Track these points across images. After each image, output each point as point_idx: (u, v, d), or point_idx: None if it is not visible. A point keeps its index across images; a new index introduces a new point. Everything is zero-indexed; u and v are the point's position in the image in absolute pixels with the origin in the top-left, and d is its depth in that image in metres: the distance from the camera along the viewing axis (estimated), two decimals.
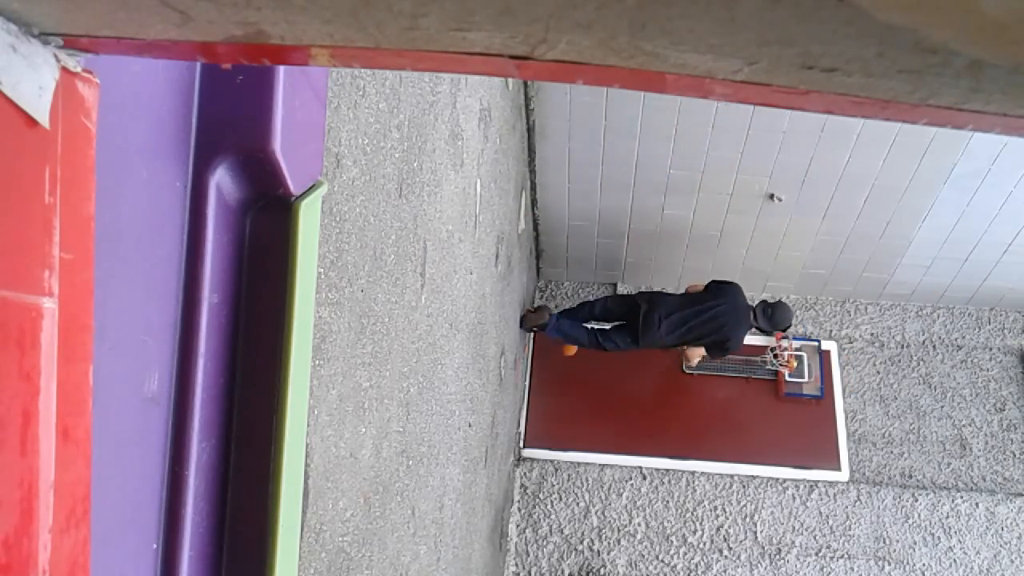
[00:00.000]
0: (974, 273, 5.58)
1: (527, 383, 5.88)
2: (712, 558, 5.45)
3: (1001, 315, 5.95)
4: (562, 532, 5.53)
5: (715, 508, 5.54)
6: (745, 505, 5.53)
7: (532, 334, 5.82)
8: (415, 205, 2.34)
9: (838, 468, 5.66)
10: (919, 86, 0.49)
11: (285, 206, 1.10)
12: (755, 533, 5.48)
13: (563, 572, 5.46)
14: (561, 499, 5.58)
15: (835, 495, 5.53)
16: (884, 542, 5.43)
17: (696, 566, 5.44)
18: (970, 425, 5.76)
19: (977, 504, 5.48)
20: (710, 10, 0.45)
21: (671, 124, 4.65)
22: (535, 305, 5.59)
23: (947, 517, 5.45)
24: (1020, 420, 5.77)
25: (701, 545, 5.48)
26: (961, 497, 5.50)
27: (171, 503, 0.98)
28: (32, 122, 0.62)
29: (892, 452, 5.73)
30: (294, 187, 1.09)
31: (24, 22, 0.60)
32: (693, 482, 5.59)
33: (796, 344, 5.86)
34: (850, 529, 5.45)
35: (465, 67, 0.58)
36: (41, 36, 0.62)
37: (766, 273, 5.84)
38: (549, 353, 5.87)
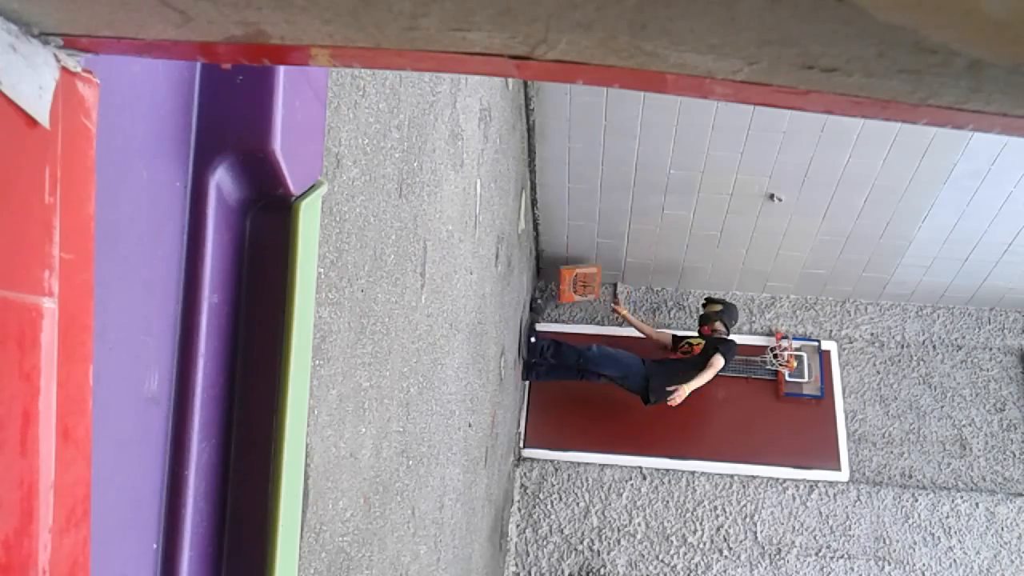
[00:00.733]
0: (974, 273, 5.58)
1: (527, 383, 5.88)
2: (712, 558, 5.45)
3: (1001, 315, 5.95)
4: (562, 532, 5.53)
5: (715, 508, 5.54)
6: (745, 505, 5.53)
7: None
8: (415, 205, 2.34)
9: (838, 468, 5.66)
10: (919, 86, 0.49)
11: (285, 206, 1.10)
12: (755, 533, 5.48)
13: (563, 572, 5.46)
14: (561, 499, 5.58)
15: (835, 495, 5.53)
16: (884, 542, 5.43)
17: (696, 566, 5.44)
18: (970, 425, 5.76)
19: (977, 504, 5.48)
20: (710, 10, 0.45)
21: (671, 124, 4.65)
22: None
23: (947, 517, 5.46)
24: (1020, 420, 5.77)
25: (701, 545, 5.48)
26: (961, 497, 5.50)
27: (171, 503, 0.97)
28: (32, 122, 0.62)
29: (892, 452, 5.73)
30: (294, 187, 1.09)
31: (24, 22, 0.60)
32: (693, 482, 5.59)
33: (796, 344, 5.86)
34: (850, 529, 5.45)
35: (465, 67, 0.58)
36: (41, 36, 0.62)
37: (766, 273, 5.84)
38: None
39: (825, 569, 5.38)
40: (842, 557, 5.41)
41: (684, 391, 5.10)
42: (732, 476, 5.60)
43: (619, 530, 5.51)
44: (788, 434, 5.71)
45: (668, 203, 5.25)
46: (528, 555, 5.50)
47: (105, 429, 0.83)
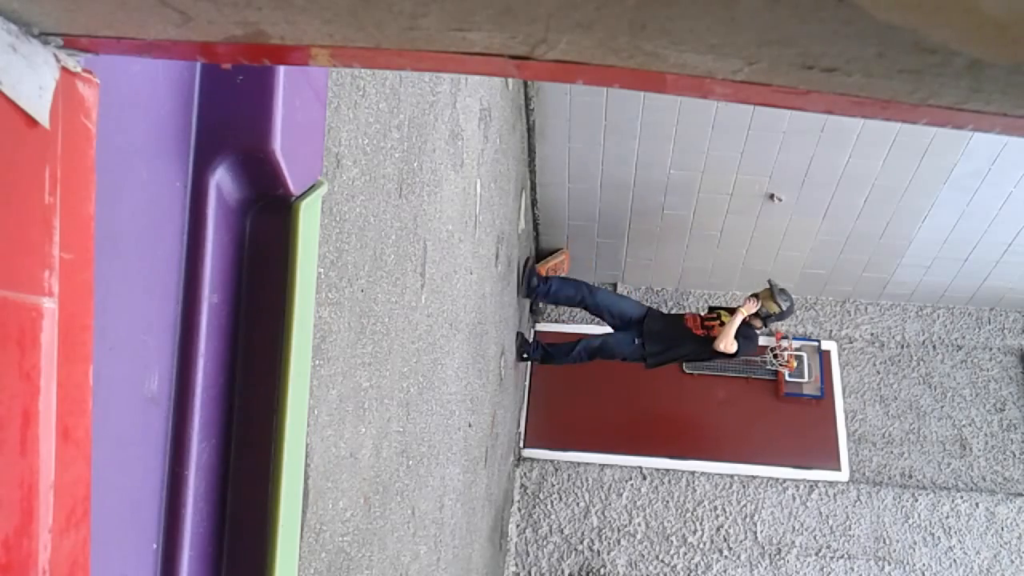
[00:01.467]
0: (974, 273, 5.58)
1: (527, 383, 5.88)
2: (712, 558, 5.45)
3: (1001, 315, 5.95)
4: (562, 532, 5.53)
5: (715, 508, 5.54)
6: (745, 505, 5.53)
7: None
8: (415, 205, 2.34)
9: (838, 468, 5.66)
10: (919, 86, 0.49)
11: (285, 206, 1.10)
12: (755, 533, 5.48)
13: (563, 572, 5.46)
14: (561, 499, 5.58)
15: (835, 495, 5.53)
16: (884, 542, 5.43)
17: (696, 566, 5.44)
18: (970, 425, 5.76)
19: (977, 504, 5.48)
20: (710, 10, 0.45)
21: (671, 124, 4.65)
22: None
23: (947, 517, 5.45)
24: (1020, 420, 5.77)
25: (701, 545, 5.48)
26: (961, 497, 5.50)
27: (171, 503, 0.97)
28: (32, 122, 0.62)
29: (892, 452, 5.73)
30: (294, 187, 1.09)
31: (24, 22, 0.60)
32: (693, 482, 5.59)
33: (796, 344, 5.86)
34: (850, 529, 5.45)
35: (465, 67, 0.58)
36: (41, 36, 0.61)
37: (766, 273, 5.83)
38: None
39: (825, 569, 5.38)
40: (842, 557, 5.41)
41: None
42: (732, 476, 5.60)
43: (619, 530, 5.51)
44: (788, 434, 5.71)
45: (668, 203, 5.25)
46: (528, 555, 5.50)
47: (105, 429, 0.83)
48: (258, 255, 1.09)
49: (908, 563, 5.38)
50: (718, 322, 4.92)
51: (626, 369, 5.92)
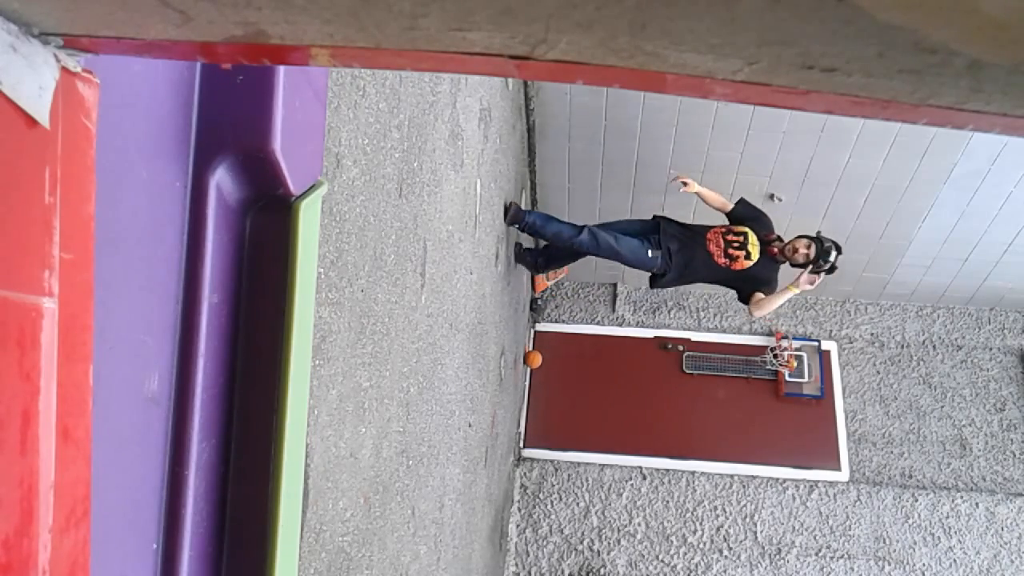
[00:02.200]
0: (974, 273, 5.58)
1: (527, 383, 5.88)
2: (712, 558, 5.45)
3: (1001, 315, 5.95)
4: (562, 532, 5.53)
5: (715, 508, 5.54)
6: (745, 505, 5.53)
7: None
8: (415, 205, 2.34)
9: (838, 468, 5.66)
10: (919, 86, 0.49)
11: (285, 206, 1.10)
12: (755, 533, 5.48)
13: (563, 572, 5.46)
14: (561, 499, 5.58)
15: (835, 495, 5.53)
16: (884, 542, 5.43)
17: (696, 566, 5.44)
18: (970, 425, 5.76)
19: (977, 504, 5.48)
20: (710, 10, 0.45)
21: (671, 124, 4.65)
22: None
23: (947, 517, 5.46)
24: (1020, 420, 5.77)
25: (701, 545, 5.48)
26: (961, 497, 5.50)
27: (171, 503, 0.97)
28: (32, 122, 0.62)
29: (892, 452, 5.73)
30: (294, 187, 1.09)
31: (24, 22, 0.60)
32: (693, 482, 5.59)
33: (796, 344, 5.86)
34: (850, 529, 5.45)
35: (465, 67, 0.58)
36: (41, 36, 0.61)
37: None
38: (549, 353, 5.88)
39: (825, 569, 5.38)
40: (842, 557, 5.41)
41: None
42: (732, 476, 5.60)
43: (619, 530, 5.51)
44: (788, 434, 5.71)
45: (668, 203, 5.25)
46: (528, 555, 5.50)
47: (105, 429, 0.83)
48: (258, 255, 1.09)
49: (908, 563, 5.38)
50: (743, 252, 4.23)
51: (626, 369, 5.93)
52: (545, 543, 5.52)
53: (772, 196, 5.07)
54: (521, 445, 5.73)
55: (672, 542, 5.49)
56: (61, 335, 0.64)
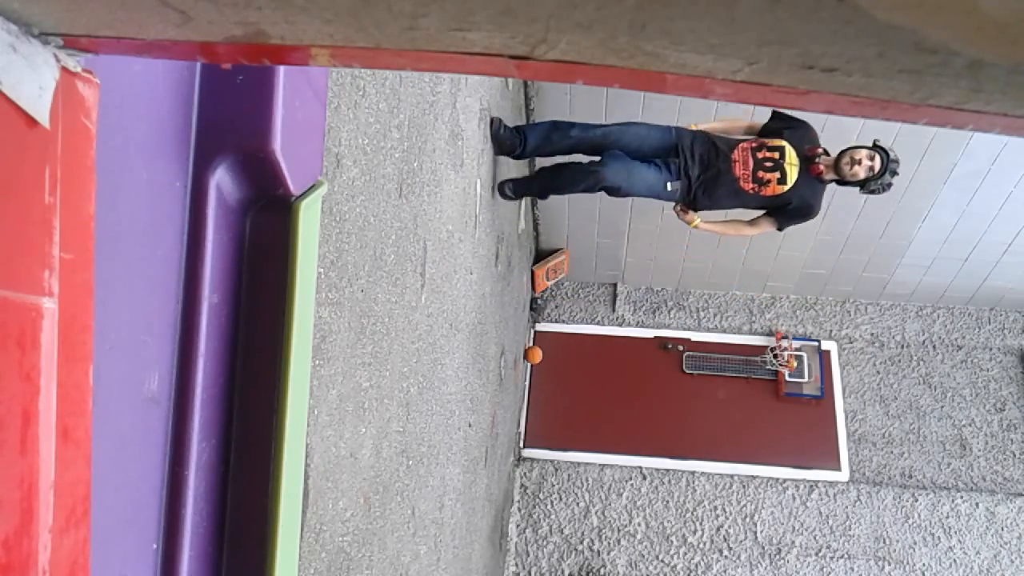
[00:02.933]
0: (974, 273, 5.58)
1: (527, 383, 5.88)
2: (712, 558, 5.45)
3: (1001, 315, 5.95)
4: (562, 532, 5.53)
5: (715, 508, 5.54)
6: (745, 505, 5.54)
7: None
8: (415, 205, 2.34)
9: (838, 468, 5.66)
10: (919, 86, 0.49)
11: (285, 206, 1.10)
12: (755, 533, 5.48)
13: (563, 572, 5.46)
14: (561, 499, 5.58)
15: (835, 495, 5.53)
16: (884, 542, 5.43)
17: (696, 566, 5.44)
18: (970, 425, 5.76)
19: (977, 504, 5.48)
20: (710, 10, 0.45)
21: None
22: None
23: (947, 517, 5.46)
24: (1020, 420, 5.77)
25: (701, 545, 5.48)
26: (961, 497, 5.50)
27: (171, 503, 0.97)
28: (32, 122, 0.62)
29: (892, 452, 5.73)
30: (294, 187, 1.09)
31: (24, 22, 0.60)
32: (693, 482, 5.59)
33: (796, 344, 5.87)
34: (850, 529, 5.45)
35: (465, 67, 0.58)
36: (41, 36, 0.61)
37: (766, 273, 5.84)
38: (549, 353, 5.88)
39: (825, 569, 5.38)
40: (842, 557, 5.41)
41: (694, 221, 3.67)
42: (732, 476, 5.60)
43: (619, 530, 5.51)
44: (788, 434, 5.71)
45: (668, 203, 5.25)
46: (528, 555, 5.50)
47: (105, 429, 0.83)
48: (258, 255, 1.09)
49: (908, 563, 5.38)
50: (776, 175, 3.50)
51: (626, 369, 5.93)
52: (545, 543, 5.52)
53: None
54: (521, 445, 5.73)
55: (672, 542, 5.49)
56: (61, 335, 0.64)
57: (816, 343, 5.91)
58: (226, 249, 1.05)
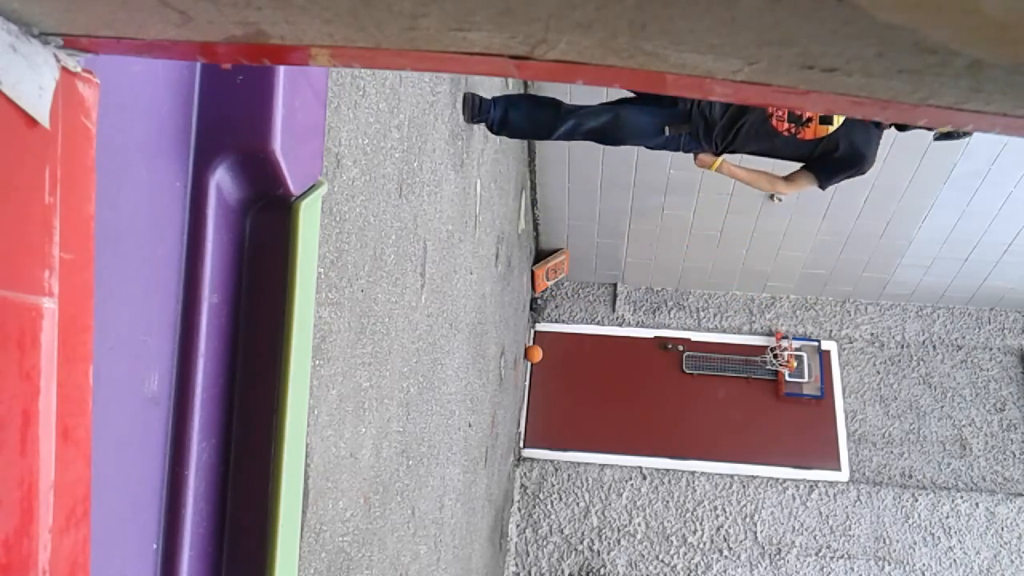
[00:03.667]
0: (974, 273, 5.58)
1: (527, 383, 5.88)
2: (712, 558, 5.45)
3: (1001, 315, 5.95)
4: (562, 532, 5.53)
5: (715, 508, 5.54)
6: (745, 505, 5.53)
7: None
8: (415, 205, 2.34)
9: (838, 468, 5.66)
10: (919, 86, 0.49)
11: (285, 206, 1.10)
12: (755, 533, 5.48)
13: (563, 572, 5.46)
14: (561, 499, 5.58)
15: (835, 495, 5.53)
16: (884, 542, 5.43)
17: (696, 566, 5.44)
18: (970, 425, 5.76)
19: (977, 504, 5.48)
20: (710, 10, 0.45)
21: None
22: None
23: (947, 517, 5.45)
24: (1020, 420, 5.77)
25: (701, 545, 5.48)
26: (961, 497, 5.50)
27: (171, 503, 0.97)
28: (32, 122, 0.62)
29: (892, 452, 5.73)
30: (294, 187, 1.09)
31: (24, 22, 0.60)
32: (693, 482, 5.59)
33: (796, 344, 5.87)
34: (850, 529, 5.46)
35: (465, 67, 0.58)
36: (41, 36, 0.62)
37: (766, 273, 5.84)
38: (549, 353, 5.88)
39: (825, 569, 5.38)
40: (842, 557, 5.41)
41: (714, 163, 3.11)
42: (732, 476, 5.60)
43: (619, 530, 5.51)
44: (788, 434, 5.71)
45: (668, 203, 5.25)
46: (528, 555, 5.50)
47: (105, 429, 0.83)
48: (258, 255, 1.09)
49: (908, 563, 5.38)
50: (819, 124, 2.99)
51: (626, 369, 5.93)
52: (545, 543, 5.52)
53: (772, 196, 5.08)
54: (521, 445, 5.73)
55: (672, 542, 5.49)
56: (61, 335, 0.64)
57: (816, 343, 5.91)
58: (226, 249, 1.05)
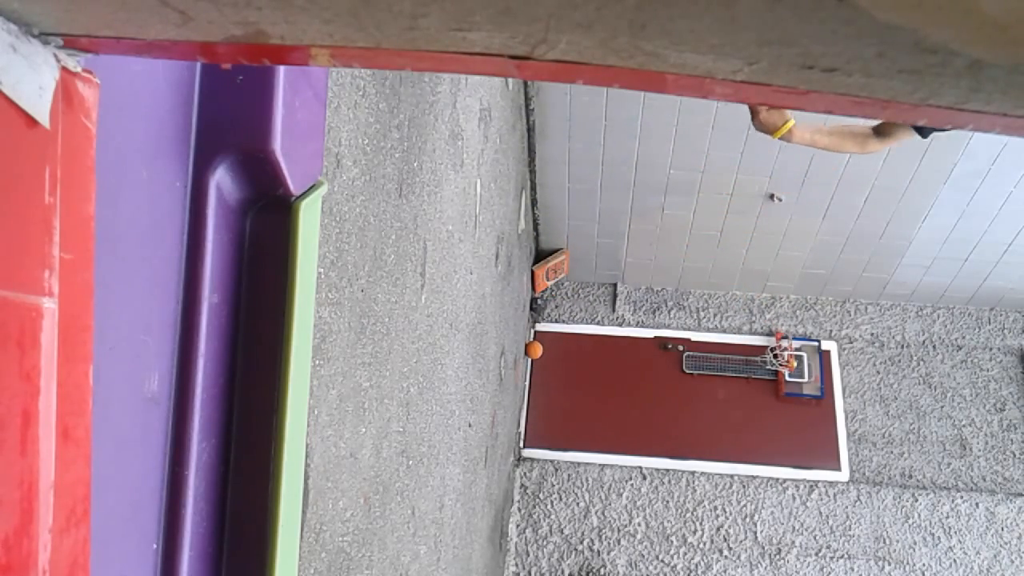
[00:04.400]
0: (974, 273, 5.58)
1: (527, 383, 5.88)
2: (712, 558, 5.45)
3: (1001, 315, 5.95)
4: (562, 532, 5.53)
5: (715, 508, 5.54)
6: (745, 505, 5.53)
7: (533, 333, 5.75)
8: (415, 205, 2.34)
9: (838, 468, 5.66)
10: (919, 86, 0.49)
11: (285, 206, 1.10)
12: (755, 533, 5.48)
13: (563, 572, 5.46)
14: (561, 499, 5.58)
15: (835, 495, 5.53)
16: (884, 542, 5.43)
17: (696, 566, 5.44)
18: (970, 425, 5.76)
19: (977, 504, 5.48)
20: (710, 10, 0.45)
21: (671, 124, 4.65)
22: None
23: (947, 517, 5.45)
24: (1020, 420, 5.77)
25: (701, 545, 5.48)
26: (961, 497, 5.50)
27: (171, 503, 0.97)
28: (32, 122, 0.62)
29: (892, 452, 5.73)
30: (294, 187, 1.09)
31: (24, 22, 0.60)
32: (693, 482, 5.59)
33: (796, 344, 5.87)
34: (850, 529, 5.45)
35: (465, 67, 0.58)
36: (41, 36, 0.61)
37: (766, 273, 5.84)
38: (549, 353, 5.88)
39: (825, 569, 5.38)
40: (842, 557, 5.40)
41: (787, 125, 2.61)
42: (732, 476, 5.60)
43: (619, 530, 5.51)
44: (788, 434, 5.71)
45: (668, 203, 5.25)
46: (528, 555, 5.50)
47: (105, 429, 0.83)
48: (258, 255, 1.09)
49: (908, 563, 5.38)
50: None
51: (626, 369, 5.93)
52: (545, 543, 5.52)
53: (772, 196, 5.08)
54: (521, 445, 5.73)
55: (672, 542, 5.49)
56: (61, 335, 0.64)
57: (816, 343, 5.91)
58: (226, 249, 1.05)
